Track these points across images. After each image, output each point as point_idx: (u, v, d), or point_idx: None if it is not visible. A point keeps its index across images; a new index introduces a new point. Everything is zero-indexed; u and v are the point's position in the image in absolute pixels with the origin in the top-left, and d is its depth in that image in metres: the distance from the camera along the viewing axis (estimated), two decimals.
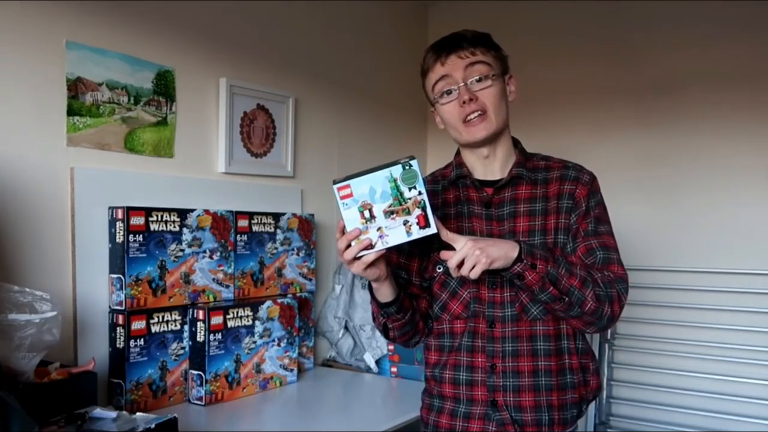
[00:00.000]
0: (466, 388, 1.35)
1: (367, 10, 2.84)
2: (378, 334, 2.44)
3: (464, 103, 1.30)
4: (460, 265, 1.19)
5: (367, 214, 1.16)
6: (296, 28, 2.45)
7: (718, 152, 2.55)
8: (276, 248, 2.21)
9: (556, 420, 1.33)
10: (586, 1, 2.78)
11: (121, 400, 1.74)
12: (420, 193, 1.16)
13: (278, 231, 2.22)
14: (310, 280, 2.36)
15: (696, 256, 2.58)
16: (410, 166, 1.15)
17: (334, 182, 1.16)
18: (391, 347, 2.38)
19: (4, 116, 1.60)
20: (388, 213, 1.16)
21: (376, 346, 2.42)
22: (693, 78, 2.59)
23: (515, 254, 1.20)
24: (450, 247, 1.22)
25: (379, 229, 1.17)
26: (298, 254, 2.30)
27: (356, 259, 1.19)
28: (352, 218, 1.17)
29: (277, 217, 2.21)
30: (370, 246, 1.17)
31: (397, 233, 1.17)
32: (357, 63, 2.78)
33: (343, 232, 1.19)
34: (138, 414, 1.40)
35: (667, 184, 2.64)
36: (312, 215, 2.38)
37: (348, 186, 1.16)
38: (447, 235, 1.21)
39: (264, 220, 2.16)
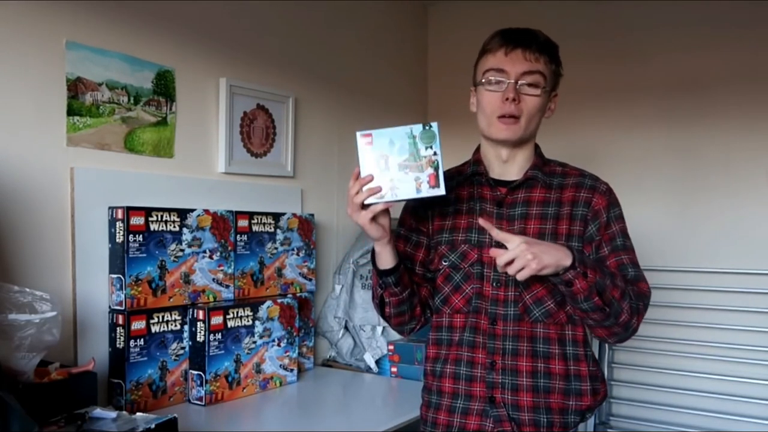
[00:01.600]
0: (465, 383, 1.35)
1: (367, 10, 2.84)
2: (378, 334, 2.44)
3: (506, 99, 1.30)
4: (509, 263, 1.19)
5: (382, 163, 1.22)
6: (296, 28, 2.45)
7: (720, 153, 2.55)
8: (276, 248, 2.21)
9: (556, 423, 1.32)
10: (592, 1, 2.78)
11: (121, 400, 1.74)
12: (435, 154, 1.21)
13: (278, 231, 2.22)
14: (310, 280, 2.36)
15: (697, 256, 2.58)
16: (430, 127, 1.21)
17: (359, 131, 1.23)
18: (391, 347, 2.38)
19: (4, 116, 1.60)
20: (403, 167, 1.22)
21: (376, 346, 2.42)
22: (696, 80, 2.59)
23: (568, 263, 1.19)
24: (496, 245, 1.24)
25: (391, 180, 1.21)
26: (298, 254, 2.30)
27: (364, 208, 1.22)
28: (368, 165, 1.22)
29: (277, 217, 2.21)
30: (380, 194, 1.21)
31: (407, 188, 1.21)
32: (357, 63, 2.78)
33: (357, 179, 1.23)
34: (138, 414, 1.40)
35: (669, 184, 2.64)
36: (312, 215, 2.38)
37: (370, 135, 1.23)
38: (499, 234, 1.22)
39: (264, 220, 2.16)
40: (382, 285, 1.34)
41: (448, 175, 1.47)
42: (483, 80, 1.35)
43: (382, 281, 1.33)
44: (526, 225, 1.34)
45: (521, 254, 1.17)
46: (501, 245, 1.22)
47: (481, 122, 1.38)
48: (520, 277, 1.18)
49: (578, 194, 1.35)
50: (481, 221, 1.26)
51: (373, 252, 1.33)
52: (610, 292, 1.23)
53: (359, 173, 1.22)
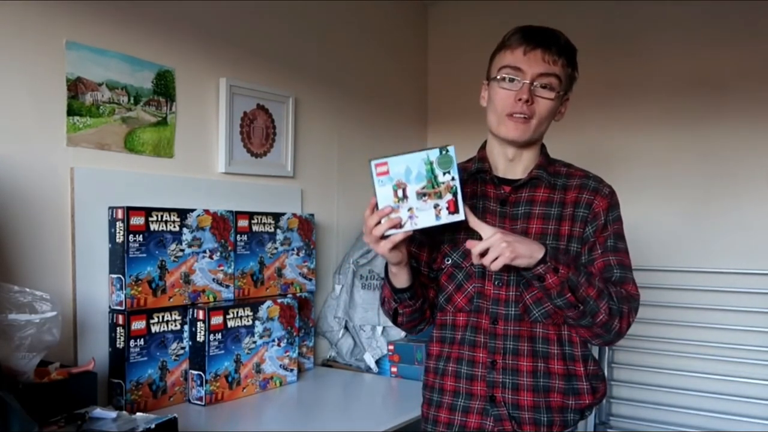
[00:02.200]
0: (466, 382, 1.35)
1: (367, 10, 2.84)
2: (378, 334, 2.44)
3: (519, 100, 1.30)
4: (484, 254, 1.19)
5: (400, 193, 1.19)
6: (296, 28, 2.45)
7: (720, 153, 2.54)
8: (276, 248, 2.21)
9: (556, 421, 1.33)
10: (594, 1, 2.77)
11: (121, 400, 1.74)
12: (453, 179, 1.19)
13: (278, 231, 2.22)
14: (310, 280, 2.36)
15: (697, 256, 2.58)
16: (447, 151, 1.18)
17: (373, 159, 1.19)
18: (391, 347, 2.38)
19: (4, 116, 1.60)
20: (421, 195, 1.19)
21: (376, 346, 2.42)
22: (699, 80, 2.59)
23: (540, 255, 1.20)
24: (477, 235, 1.23)
25: (409, 209, 1.19)
26: (298, 254, 2.30)
27: (383, 238, 1.20)
28: (385, 195, 1.19)
29: (277, 217, 2.21)
30: (399, 225, 1.19)
31: (426, 216, 1.19)
32: (357, 63, 2.78)
33: (374, 209, 1.21)
34: (138, 414, 1.41)
35: (670, 184, 2.64)
36: (312, 215, 2.38)
37: (385, 164, 1.19)
38: (475, 222, 1.22)
39: (264, 220, 2.16)
40: (396, 300, 1.35)
41: None
42: (498, 77, 1.33)
43: (398, 297, 1.34)
44: (528, 224, 1.34)
45: (495, 243, 1.18)
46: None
47: (490, 119, 1.37)
48: (494, 266, 1.19)
49: (581, 195, 1.35)
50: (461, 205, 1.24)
51: (386, 266, 1.33)
52: (585, 290, 1.23)
53: (376, 204, 1.20)
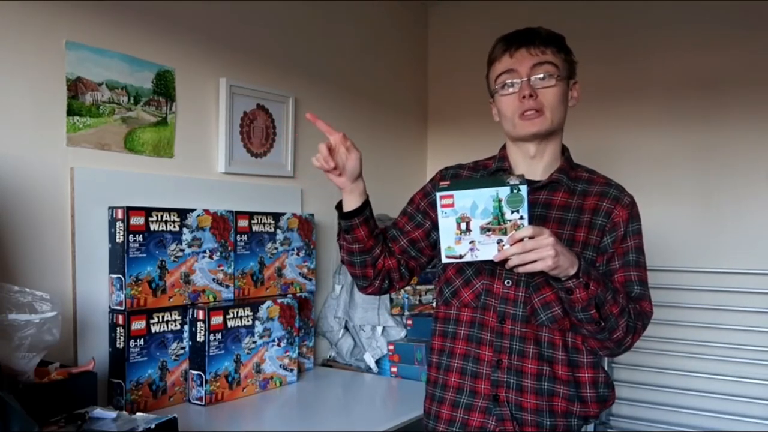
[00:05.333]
0: (470, 379, 1.35)
1: (367, 10, 2.84)
2: (378, 334, 2.44)
3: (524, 98, 1.30)
4: (505, 261, 1.16)
5: (463, 226, 1.17)
6: (296, 28, 2.45)
7: (722, 153, 2.54)
8: (276, 248, 2.21)
9: (559, 425, 1.32)
10: (594, 0, 2.77)
11: (121, 400, 1.74)
12: (521, 218, 1.15)
13: (278, 231, 2.22)
14: (310, 280, 2.36)
15: (698, 256, 2.58)
16: (519, 190, 1.14)
17: (439, 189, 1.18)
18: (391, 347, 2.37)
19: (4, 116, 1.60)
20: (485, 229, 1.16)
21: (376, 346, 2.42)
22: (700, 79, 2.59)
23: (572, 271, 1.16)
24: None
25: (471, 242, 1.17)
26: (298, 254, 2.30)
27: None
28: (447, 227, 1.18)
29: (277, 217, 2.21)
30: (459, 257, 1.18)
31: (488, 250, 1.17)
32: (357, 63, 2.78)
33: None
34: (138, 414, 1.40)
35: (670, 184, 2.64)
36: (312, 215, 2.38)
37: (451, 196, 1.17)
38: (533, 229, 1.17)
39: (264, 220, 2.16)
40: (345, 229, 1.37)
41: (473, 165, 1.47)
42: (497, 86, 1.34)
43: (345, 225, 1.36)
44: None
45: (545, 246, 1.12)
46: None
47: (506, 127, 1.37)
48: (528, 268, 1.14)
49: (600, 203, 1.34)
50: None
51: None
52: (609, 307, 1.21)
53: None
